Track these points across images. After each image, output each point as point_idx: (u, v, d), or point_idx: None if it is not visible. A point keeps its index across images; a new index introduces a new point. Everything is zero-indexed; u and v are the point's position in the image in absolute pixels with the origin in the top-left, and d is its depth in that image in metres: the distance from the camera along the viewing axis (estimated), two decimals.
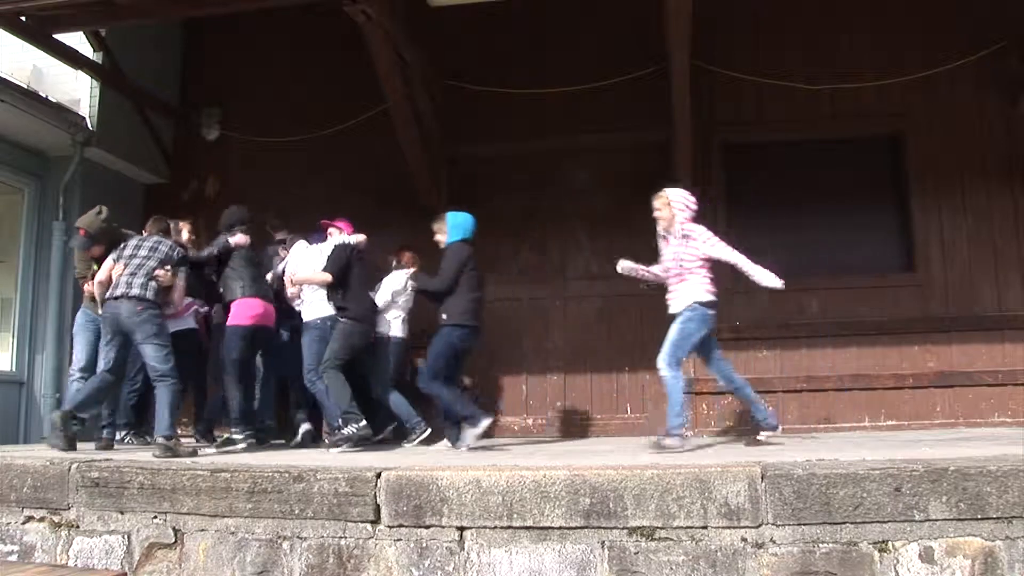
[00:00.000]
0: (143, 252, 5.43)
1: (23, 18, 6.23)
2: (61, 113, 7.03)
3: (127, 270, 5.30)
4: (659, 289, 7.17)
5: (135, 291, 5.20)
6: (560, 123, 7.44)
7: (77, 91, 7.33)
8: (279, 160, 7.83)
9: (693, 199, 5.46)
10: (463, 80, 7.53)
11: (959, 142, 6.97)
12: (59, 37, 6.63)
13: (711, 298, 5.25)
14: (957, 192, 6.94)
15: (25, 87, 6.88)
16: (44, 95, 7.00)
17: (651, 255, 7.34)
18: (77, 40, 7.02)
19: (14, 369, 7.02)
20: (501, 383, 7.41)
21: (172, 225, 6.03)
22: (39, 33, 6.42)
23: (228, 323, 5.70)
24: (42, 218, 7.21)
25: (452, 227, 5.85)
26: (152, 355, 5.18)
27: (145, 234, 5.70)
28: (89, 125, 7.24)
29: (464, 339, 5.71)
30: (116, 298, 5.22)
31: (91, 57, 7.18)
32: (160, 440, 4.98)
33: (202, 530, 3.86)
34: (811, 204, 7.11)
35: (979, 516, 3.23)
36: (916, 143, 7.03)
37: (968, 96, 6.98)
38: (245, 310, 5.68)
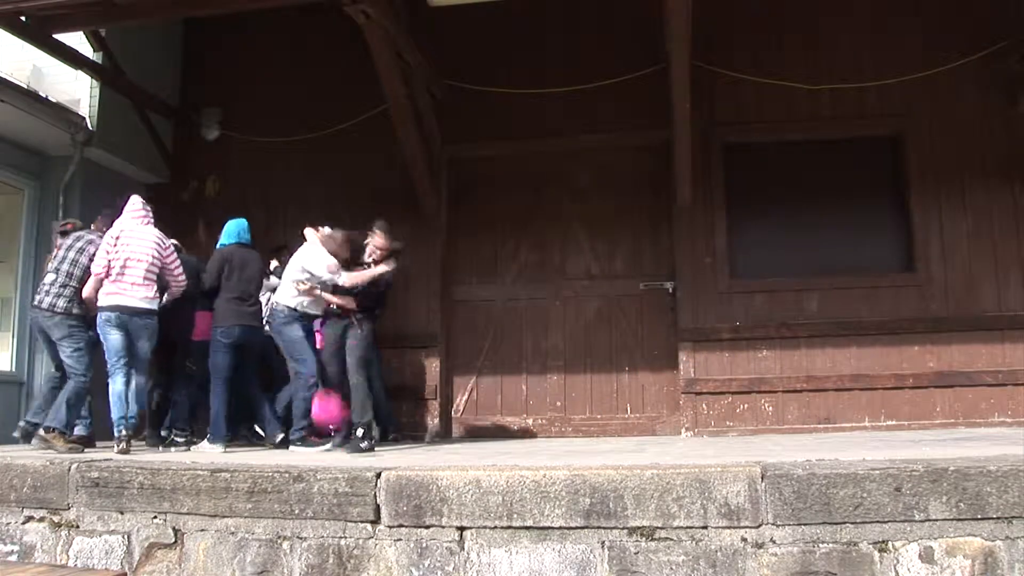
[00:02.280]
0: (76, 257, 5.75)
1: (23, 18, 6.23)
2: (61, 113, 7.03)
3: (57, 279, 5.69)
4: (657, 289, 7.23)
5: (55, 304, 5.63)
6: (560, 123, 7.44)
7: (77, 91, 7.31)
8: (279, 160, 7.82)
9: (134, 207, 5.73)
10: (463, 80, 7.53)
11: (959, 142, 6.97)
12: (59, 37, 6.62)
13: (102, 303, 5.45)
14: (957, 192, 6.94)
15: (25, 87, 6.87)
16: (44, 95, 6.99)
17: (651, 254, 7.39)
18: (77, 40, 7.01)
19: (14, 369, 7.02)
20: (501, 383, 7.41)
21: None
22: (39, 33, 6.42)
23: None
24: (42, 218, 7.20)
25: (223, 233, 6.25)
26: (65, 354, 5.62)
27: (93, 229, 5.98)
28: (89, 125, 7.24)
29: (229, 336, 5.90)
30: (36, 307, 5.72)
31: (91, 57, 7.17)
32: (40, 432, 5.38)
33: (202, 530, 3.85)
34: (811, 204, 7.11)
35: (979, 516, 3.23)
36: (916, 143, 7.03)
37: (968, 96, 6.98)
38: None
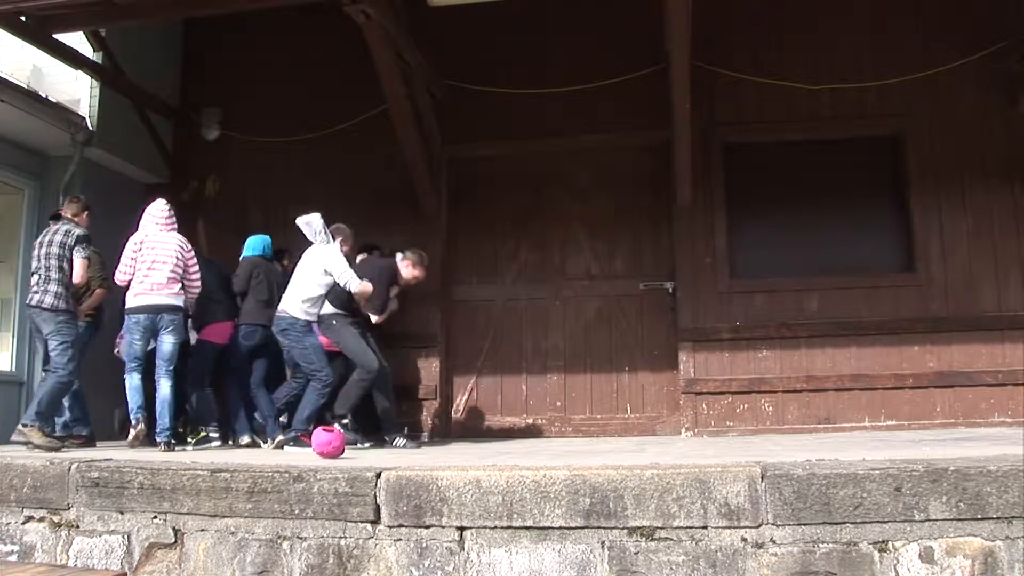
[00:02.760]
0: (48, 250, 5.69)
1: (23, 18, 6.23)
2: (61, 113, 7.02)
3: (39, 276, 5.66)
4: (657, 289, 7.20)
5: (43, 301, 5.57)
6: (560, 123, 7.44)
7: (77, 91, 7.31)
8: (279, 160, 7.83)
9: (160, 211, 5.96)
10: (463, 80, 7.53)
11: (959, 142, 6.97)
12: (59, 37, 6.62)
13: (129, 305, 5.74)
14: (957, 192, 6.94)
15: (25, 87, 6.87)
16: (44, 95, 6.99)
17: (651, 254, 7.39)
18: (77, 40, 7.01)
19: (13, 369, 7.02)
20: (501, 383, 7.41)
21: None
22: (39, 33, 6.42)
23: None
24: (42, 218, 7.17)
25: (245, 247, 6.78)
26: (50, 347, 5.59)
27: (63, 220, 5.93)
28: (89, 125, 7.24)
29: (249, 337, 6.40)
30: (28, 304, 5.74)
31: (91, 57, 7.17)
32: (19, 427, 5.35)
33: (202, 530, 3.85)
34: (811, 204, 7.11)
35: (979, 516, 3.22)
36: (916, 143, 7.03)
37: (968, 96, 6.98)
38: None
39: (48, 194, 7.26)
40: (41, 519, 4.14)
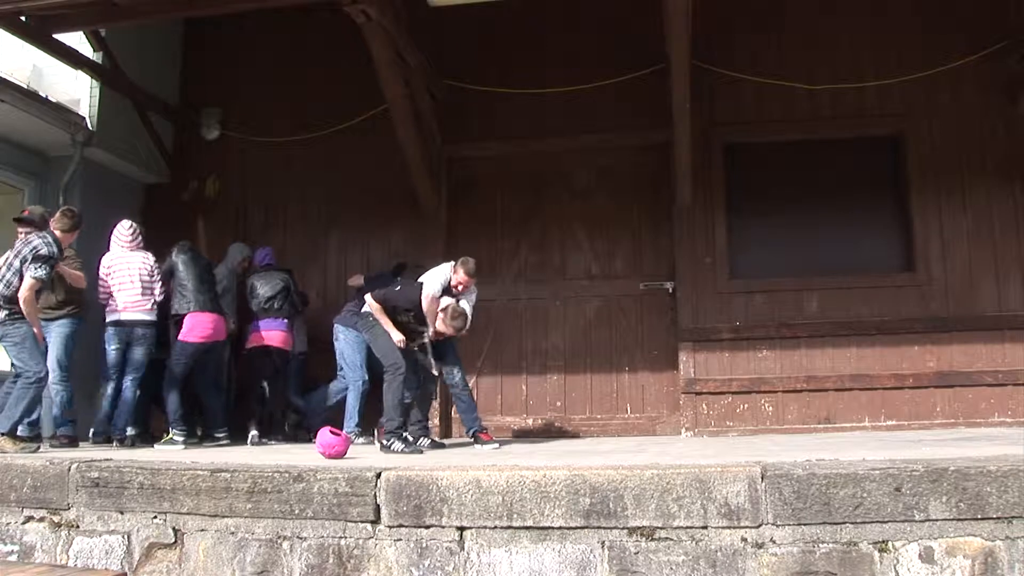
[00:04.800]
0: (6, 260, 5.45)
1: (23, 18, 6.23)
2: (61, 113, 7.03)
3: None
4: (657, 289, 7.19)
5: None
6: (560, 123, 7.44)
7: (77, 91, 7.31)
8: (279, 160, 7.83)
9: (125, 232, 6.27)
10: (463, 80, 7.54)
11: (959, 142, 6.97)
12: (59, 37, 6.62)
13: (111, 318, 6.09)
14: (957, 192, 6.94)
15: (25, 87, 6.87)
16: (44, 95, 6.99)
17: (651, 254, 7.39)
18: (77, 40, 7.01)
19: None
20: (501, 383, 7.41)
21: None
22: (39, 33, 6.42)
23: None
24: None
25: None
26: (11, 356, 5.43)
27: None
28: (89, 125, 7.24)
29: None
30: None
31: (91, 57, 7.17)
32: None
33: (202, 530, 3.85)
34: (811, 204, 7.11)
35: (979, 516, 3.22)
36: (916, 143, 7.03)
37: (968, 96, 6.98)
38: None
39: (48, 194, 7.25)
40: (41, 519, 4.14)
